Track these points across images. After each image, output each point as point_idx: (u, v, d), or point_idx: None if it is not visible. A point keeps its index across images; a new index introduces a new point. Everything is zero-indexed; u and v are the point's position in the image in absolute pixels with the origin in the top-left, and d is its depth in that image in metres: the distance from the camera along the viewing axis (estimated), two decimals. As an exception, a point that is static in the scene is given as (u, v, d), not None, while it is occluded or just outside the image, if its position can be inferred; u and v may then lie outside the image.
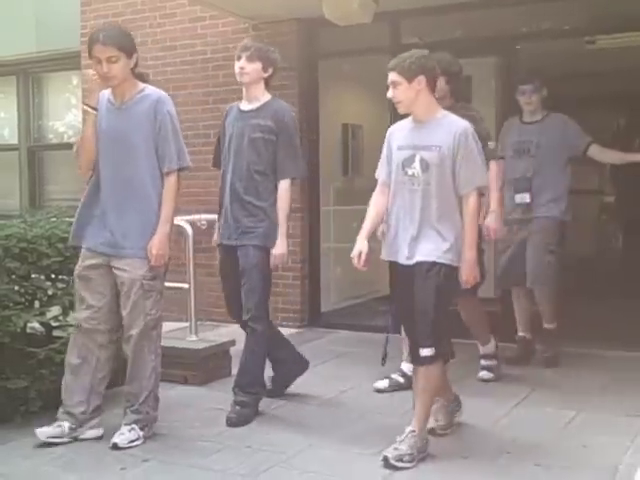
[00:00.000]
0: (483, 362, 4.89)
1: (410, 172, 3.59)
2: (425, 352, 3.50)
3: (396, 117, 5.39)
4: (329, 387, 4.74)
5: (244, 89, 4.31)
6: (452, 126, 3.59)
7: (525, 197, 5.14)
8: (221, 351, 5.04)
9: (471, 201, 3.59)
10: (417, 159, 3.58)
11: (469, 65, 5.12)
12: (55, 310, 4.33)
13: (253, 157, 4.19)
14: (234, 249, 4.22)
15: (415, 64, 3.62)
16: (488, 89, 6.71)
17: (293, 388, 4.54)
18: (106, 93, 3.85)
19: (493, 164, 4.58)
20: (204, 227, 5.46)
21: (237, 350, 5.18)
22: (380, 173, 3.82)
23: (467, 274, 3.57)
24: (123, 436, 3.73)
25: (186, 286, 5.03)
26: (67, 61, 7.64)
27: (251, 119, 4.23)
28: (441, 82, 4.11)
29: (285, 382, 4.56)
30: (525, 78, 5.32)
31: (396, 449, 3.49)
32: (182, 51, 6.97)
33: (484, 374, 4.84)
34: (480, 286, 4.26)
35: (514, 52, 6.02)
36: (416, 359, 3.58)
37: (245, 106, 4.31)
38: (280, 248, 4.21)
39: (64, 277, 4.28)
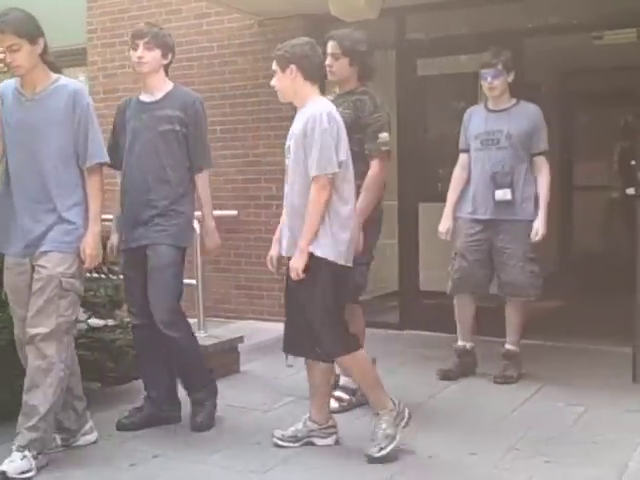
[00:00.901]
0: (337, 393, 4.24)
1: (287, 161, 3.64)
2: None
3: (402, 113, 5.42)
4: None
5: (143, 79, 3.99)
6: (307, 113, 3.54)
7: (507, 193, 4.59)
8: (229, 347, 5.05)
9: (311, 190, 3.46)
10: (288, 147, 3.63)
11: (476, 61, 5.09)
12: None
13: (164, 151, 3.88)
14: (142, 250, 3.89)
15: (288, 53, 3.59)
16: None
17: (300, 384, 4.53)
18: (12, 83, 3.56)
19: (375, 162, 4.02)
20: (211, 223, 5.44)
21: (245, 347, 5.23)
22: None
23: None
24: (13, 464, 3.31)
25: (194, 282, 5.02)
26: (73, 57, 7.64)
27: (156, 111, 3.91)
28: (343, 63, 4.08)
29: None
30: (486, 61, 4.72)
31: (373, 440, 3.52)
32: (188, 47, 6.95)
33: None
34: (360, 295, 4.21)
35: (521, 48, 5.99)
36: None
37: (146, 97, 3.97)
38: (213, 241, 4.08)
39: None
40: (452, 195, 4.82)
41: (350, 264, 3.61)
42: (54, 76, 3.55)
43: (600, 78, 8.40)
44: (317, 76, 3.66)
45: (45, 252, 3.44)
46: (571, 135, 8.99)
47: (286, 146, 3.65)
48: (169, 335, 3.85)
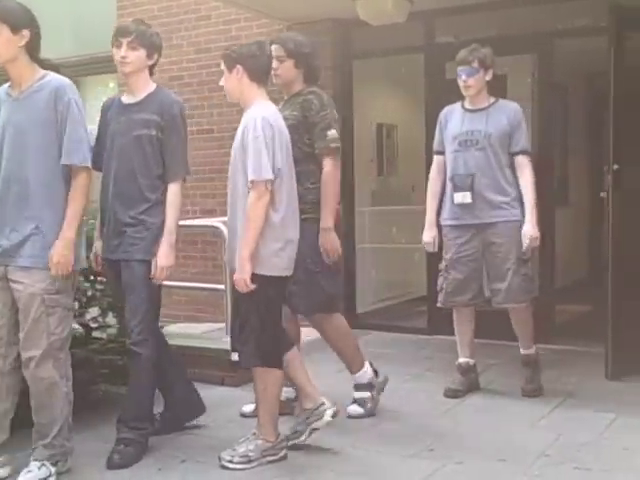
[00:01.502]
0: (356, 394, 4.20)
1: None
2: (234, 356, 3.61)
3: (431, 117, 5.40)
4: (365, 388, 4.72)
5: (126, 80, 3.78)
6: (246, 117, 3.52)
7: (466, 196, 4.37)
8: (257, 352, 5.04)
9: (249, 195, 3.40)
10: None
11: (504, 63, 5.06)
12: (94, 311, 4.37)
13: (138, 157, 3.63)
14: (117, 263, 3.68)
15: (235, 53, 3.57)
16: (524, 87, 6.63)
17: (329, 387, 4.53)
18: (5, 85, 3.42)
19: (327, 161, 3.95)
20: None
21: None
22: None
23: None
24: (31, 474, 3.26)
25: (222, 287, 5.04)
26: (103, 64, 7.70)
27: (134, 114, 3.67)
28: (288, 66, 4.02)
29: (174, 426, 3.98)
30: (461, 58, 4.44)
31: (234, 449, 3.53)
32: (217, 53, 6.93)
33: (354, 409, 4.16)
34: (335, 304, 4.12)
35: (550, 50, 5.94)
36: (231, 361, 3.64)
37: (128, 99, 3.76)
38: (165, 259, 3.61)
39: (102, 279, 4.31)
40: (432, 202, 4.59)
41: (288, 273, 3.54)
42: (41, 72, 3.33)
43: (629, 80, 8.28)
44: (264, 78, 3.63)
45: (24, 267, 3.24)
46: (600, 138, 8.89)
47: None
48: (135, 350, 3.63)
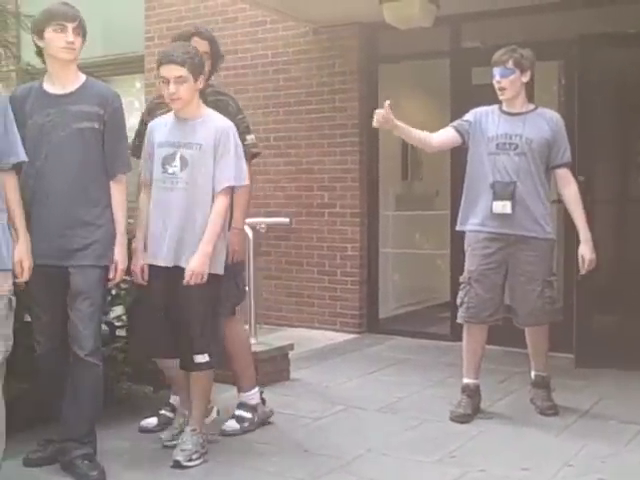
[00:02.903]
0: (238, 411, 4.00)
1: (171, 170, 3.54)
2: (200, 358, 3.55)
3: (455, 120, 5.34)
4: (388, 393, 4.71)
5: (58, 68, 3.40)
6: (213, 124, 3.56)
7: (506, 206, 4.07)
8: (280, 354, 5.05)
9: (219, 200, 3.51)
10: (178, 157, 3.52)
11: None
12: (118, 310, 4.37)
13: (81, 152, 3.35)
14: (60, 270, 3.33)
15: (198, 59, 3.57)
16: (551, 93, 6.59)
17: (350, 393, 4.50)
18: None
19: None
20: (263, 230, 5.47)
21: (295, 354, 5.23)
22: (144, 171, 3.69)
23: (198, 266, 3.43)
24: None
25: (245, 289, 5.04)
26: (131, 65, 7.78)
27: (70, 105, 3.35)
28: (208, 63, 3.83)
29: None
30: (497, 57, 4.19)
31: (183, 450, 3.51)
32: (243, 55, 7.03)
33: (231, 425, 3.94)
34: (237, 305, 4.04)
35: (577, 56, 5.89)
36: (192, 365, 3.58)
37: (55, 89, 3.39)
38: (121, 262, 3.43)
39: (126, 277, 4.32)
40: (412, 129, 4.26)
41: (222, 272, 3.63)
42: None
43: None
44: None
45: None
46: (628, 145, 8.81)
47: (166, 154, 3.52)
48: (91, 362, 3.34)
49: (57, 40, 3.33)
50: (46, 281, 3.32)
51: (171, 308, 3.57)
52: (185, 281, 3.44)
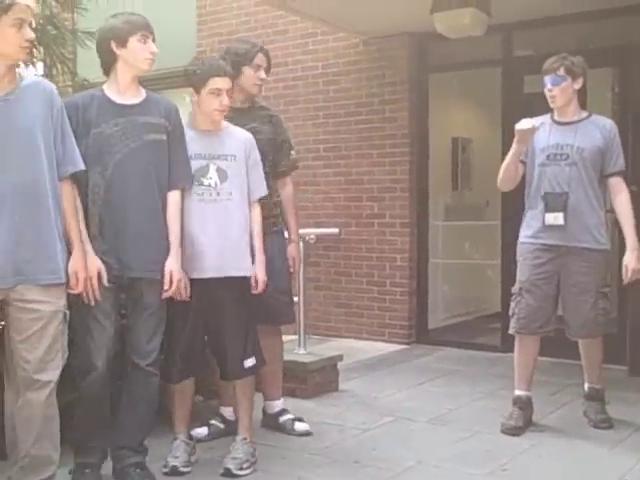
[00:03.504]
0: (290, 415, 4.17)
1: (206, 182, 3.55)
2: (248, 363, 3.62)
3: (508, 131, 5.33)
4: (438, 404, 4.68)
5: (129, 78, 3.36)
6: (238, 135, 3.67)
7: (559, 218, 4.05)
8: (329, 365, 5.05)
9: (257, 209, 3.69)
10: (213, 169, 3.56)
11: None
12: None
13: (151, 163, 3.33)
14: (129, 281, 3.32)
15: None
16: (604, 101, 6.50)
17: (399, 404, 4.48)
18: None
19: (289, 179, 4.15)
20: (312, 241, 5.49)
21: (344, 365, 5.22)
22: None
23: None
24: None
25: (295, 299, 5.06)
26: (182, 79, 7.86)
27: (137, 116, 3.34)
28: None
29: None
30: (548, 65, 4.16)
31: (234, 458, 3.54)
32: (293, 67, 7.08)
33: (303, 426, 4.12)
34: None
35: (631, 62, 5.80)
36: (241, 371, 3.62)
37: (122, 99, 3.35)
38: (177, 272, 3.35)
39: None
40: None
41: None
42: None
43: None
44: None
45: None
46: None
47: (201, 165, 3.53)
48: (151, 372, 3.39)
49: (141, 50, 3.33)
50: (116, 292, 3.33)
51: (211, 321, 3.60)
52: (258, 290, 3.61)
